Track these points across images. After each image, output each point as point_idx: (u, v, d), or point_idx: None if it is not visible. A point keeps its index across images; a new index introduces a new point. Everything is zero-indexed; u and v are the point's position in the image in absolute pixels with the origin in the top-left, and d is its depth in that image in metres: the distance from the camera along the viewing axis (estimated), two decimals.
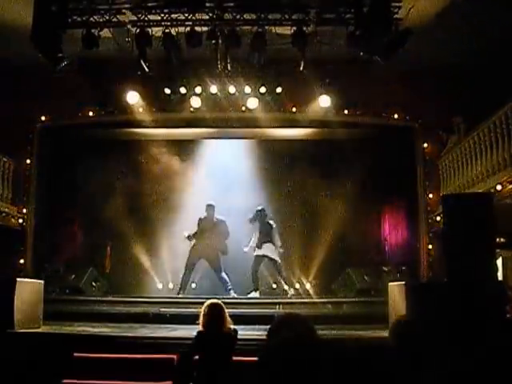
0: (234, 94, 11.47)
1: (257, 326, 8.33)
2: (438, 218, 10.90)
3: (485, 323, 6.02)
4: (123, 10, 9.25)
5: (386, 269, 12.05)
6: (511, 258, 11.70)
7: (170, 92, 11.53)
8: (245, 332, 7.35)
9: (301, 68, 9.86)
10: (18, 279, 9.34)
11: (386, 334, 7.28)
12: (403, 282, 8.08)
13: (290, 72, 10.56)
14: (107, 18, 9.31)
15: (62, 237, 12.67)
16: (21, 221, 11.63)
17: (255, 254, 11.75)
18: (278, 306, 10.15)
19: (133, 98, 11.42)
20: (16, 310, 7.94)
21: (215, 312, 5.65)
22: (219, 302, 5.91)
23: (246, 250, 11.81)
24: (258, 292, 11.62)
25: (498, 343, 4.43)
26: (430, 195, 11.79)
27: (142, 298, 10.94)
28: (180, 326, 8.92)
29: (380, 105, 11.86)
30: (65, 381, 6.93)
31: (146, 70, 9.89)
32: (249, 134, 13.24)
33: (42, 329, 8.57)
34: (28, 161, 11.90)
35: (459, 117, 11.25)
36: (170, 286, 12.46)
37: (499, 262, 10.69)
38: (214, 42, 9.37)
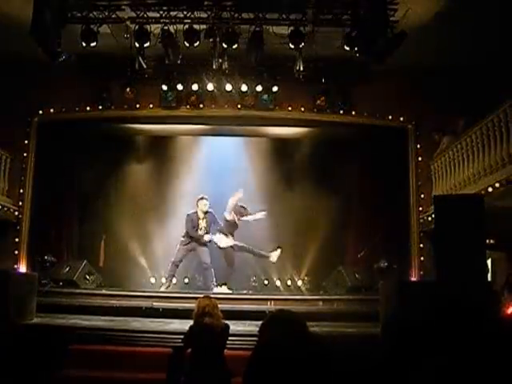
0: (230, 91, 11.57)
1: (248, 322, 8.45)
2: (430, 219, 11.00)
3: (474, 324, 6.11)
4: (122, 7, 9.29)
5: (377, 267, 12.17)
6: (500, 260, 11.82)
7: (167, 88, 11.62)
8: (236, 327, 7.46)
9: (297, 67, 9.93)
10: (13, 271, 9.44)
11: (376, 331, 7.41)
12: (394, 281, 8.19)
13: (286, 71, 10.65)
14: (106, 14, 9.36)
15: (57, 229, 12.72)
16: (16, 213, 11.66)
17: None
18: (269, 302, 10.24)
19: (130, 93, 11.49)
20: (10, 301, 8.01)
21: (208, 307, 5.74)
22: (212, 297, 6.01)
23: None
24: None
25: (487, 344, 4.51)
26: (422, 195, 11.90)
27: (135, 292, 10.99)
28: (172, 321, 9.01)
29: (375, 105, 11.94)
30: (57, 373, 7.01)
31: (144, 66, 9.96)
32: (245, 132, 13.31)
33: (35, 321, 8.63)
34: (25, 154, 11.92)
35: (462, 119, 11.24)
36: (163, 280, 12.52)
37: (489, 262, 10.81)
38: (211, 40, 9.43)
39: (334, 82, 11.65)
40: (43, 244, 12.24)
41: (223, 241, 11.67)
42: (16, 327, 7.80)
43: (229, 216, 11.65)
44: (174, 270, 11.84)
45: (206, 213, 11.82)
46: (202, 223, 11.81)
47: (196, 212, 11.84)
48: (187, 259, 12.16)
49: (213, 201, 12.06)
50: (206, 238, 11.72)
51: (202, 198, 11.84)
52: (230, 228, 11.75)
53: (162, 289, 11.67)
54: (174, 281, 12.40)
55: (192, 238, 11.73)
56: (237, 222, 11.73)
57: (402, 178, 12.10)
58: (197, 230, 11.74)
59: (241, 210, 11.76)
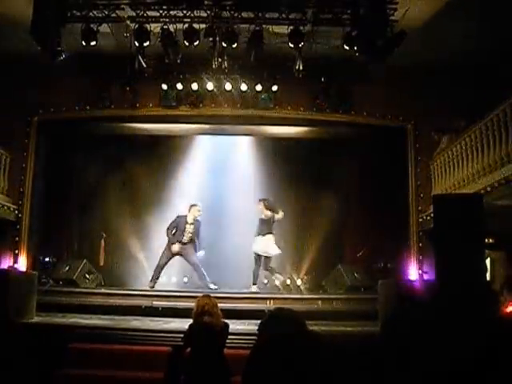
0: (230, 90, 11.57)
1: (247, 321, 8.46)
2: (429, 218, 11.00)
3: (472, 323, 6.12)
4: (122, 6, 9.29)
5: (376, 266, 12.20)
6: (499, 259, 11.82)
7: (166, 88, 11.63)
8: (236, 326, 7.47)
9: (297, 67, 9.94)
10: (12, 270, 9.45)
11: (375, 330, 7.41)
12: (393, 280, 8.21)
13: (286, 70, 10.65)
14: (106, 13, 9.35)
15: (57, 229, 12.74)
16: (16, 212, 11.66)
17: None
18: (268, 302, 10.26)
19: (130, 93, 11.50)
20: (10, 300, 8.02)
21: (207, 306, 5.75)
22: (211, 296, 6.02)
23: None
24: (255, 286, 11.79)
25: (485, 343, 4.49)
26: (422, 195, 11.90)
27: (134, 291, 11.01)
28: (172, 320, 9.04)
29: (374, 105, 11.95)
30: (57, 371, 7.03)
31: (144, 65, 9.96)
32: (244, 131, 13.32)
33: (35, 320, 8.65)
34: (25, 153, 11.91)
35: (463, 120, 11.23)
36: (163, 279, 12.55)
37: (487, 262, 10.81)
38: (211, 39, 9.43)
39: (333, 82, 11.66)
40: (43, 243, 12.26)
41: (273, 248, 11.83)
42: (15, 326, 7.80)
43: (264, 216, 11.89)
44: (158, 272, 11.87)
45: (195, 220, 11.86)
46: (189, 228, 11.84)
47: (186, 216, 11.88)
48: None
49: (212, 199, 12.09)
50: (174, 248, 11.80)
51: (195, 205, 11.89)
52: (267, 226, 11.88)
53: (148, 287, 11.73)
54: (174, 279, 12.43)
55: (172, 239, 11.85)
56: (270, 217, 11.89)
57: (401, 177, 12.11)
58: (182, 234, 11.81)
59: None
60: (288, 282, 12.62)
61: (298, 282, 12.55)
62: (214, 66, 10.28)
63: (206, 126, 12.82)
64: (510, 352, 3.82)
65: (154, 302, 10.01)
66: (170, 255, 11.85)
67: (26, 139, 11.94)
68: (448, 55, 10.82)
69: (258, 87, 11.58)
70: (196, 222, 11.88)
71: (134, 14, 9.42)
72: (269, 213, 11.85)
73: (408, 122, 12.10)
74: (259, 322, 2.95)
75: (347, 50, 9.39)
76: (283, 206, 12.99)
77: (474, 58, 10.68)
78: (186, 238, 11.83)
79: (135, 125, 12.69)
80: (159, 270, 11.85)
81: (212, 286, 11.32)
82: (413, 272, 11.63)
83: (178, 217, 11.96)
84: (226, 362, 5.70)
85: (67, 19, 9.06)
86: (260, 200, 12.06)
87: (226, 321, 5.91)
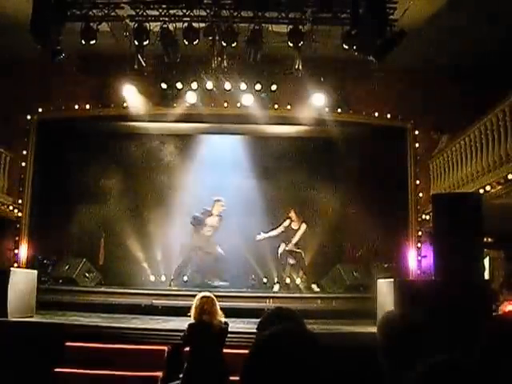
0: (229, 90, 11.57)
1: (247, 320, 8.47)
2: (428, 217, 11.02)
3: (470, 322, 6.13)
4: (122, 5, 9.29)
5: (375, 265, 12.20)
6: (498, 258, 11.84)
7: (166, 87, 11.63)
8: (235, 325, 7.48)
9: (296, 66, 9.94)
10: (12, 269, 9.44)
11: (373, 329, 7.43)
12: (392, 279, 8.19)
13: (285, 70, 10.66)
14: (106, 12, 9.35)
15: (57, 228, 12.73)
16: (16, 211, 11.67)
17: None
18: (267, 300, 10.27)
19: (129, 92, 11.50)
20: (10, 298, 8.04)
21: (206, 305, 5.76)
22: (211, 295, 6.02)
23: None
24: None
25: (484, 343, 4.49)
26: (421, 194, 11.92)
27: (134, 290, 11.02)
28: (172, 318, 9.04)
29: (374, 104, 11.96)
30: (56, 369, 7.05)
31: (143, 64, 9.96)
32: (244, 130, 13.31)
33: (35, 318, 8.65)
34: (24, 152, 11.93)
35: (462, 120, 11.23)
36: (163, 278, 12.55)
37: (486, 261, 10.84)
38: (211, 38, 9.43)
39: (332, 81, 11.65)
40: (43, 242, 12.26)
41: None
42: (15, 324, 7.82)
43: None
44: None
45: (219, 215, 12.27)
46: (214, 222, 12.26)
47: (210, 211, 12.30)
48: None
49: (211, 198, 12.12)
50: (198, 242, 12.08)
51: (219, 200, 12.33)
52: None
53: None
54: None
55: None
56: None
57: (400, 176, 12.12)
58: (201, 226, 12.21)
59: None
60: (288, 280, 12.61)
61: (298, 280, 12.54)
62: (213, 65, 10.30)
63: (206, 125, 12.82)
64: (510, 352, 3.83)
65: (154, 301, 10.03)
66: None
67: (26, 138, 11.97)
68: (448, 55, 10.83)
69: (258, 86, 11.57)
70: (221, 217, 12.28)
71: (134, 12, 9.41)
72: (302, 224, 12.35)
73: (407, 122, 12.11)
74: (258, 320, 2.96)
75: (346, 50, 9.39)
76: (283, 205, 13.04)
77: (474, 58, 10.70)
78: (210, 231, 12.21)
79: (135, 124, 12.69)
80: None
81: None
82: (412, 271, 11.65)
83: (204, 210, 12.32)
84: (225, 360, 5.71)
85: (67, 18, 9.05)
86: (292, 208, 12.50)
87: (226, 319, 5.91)
